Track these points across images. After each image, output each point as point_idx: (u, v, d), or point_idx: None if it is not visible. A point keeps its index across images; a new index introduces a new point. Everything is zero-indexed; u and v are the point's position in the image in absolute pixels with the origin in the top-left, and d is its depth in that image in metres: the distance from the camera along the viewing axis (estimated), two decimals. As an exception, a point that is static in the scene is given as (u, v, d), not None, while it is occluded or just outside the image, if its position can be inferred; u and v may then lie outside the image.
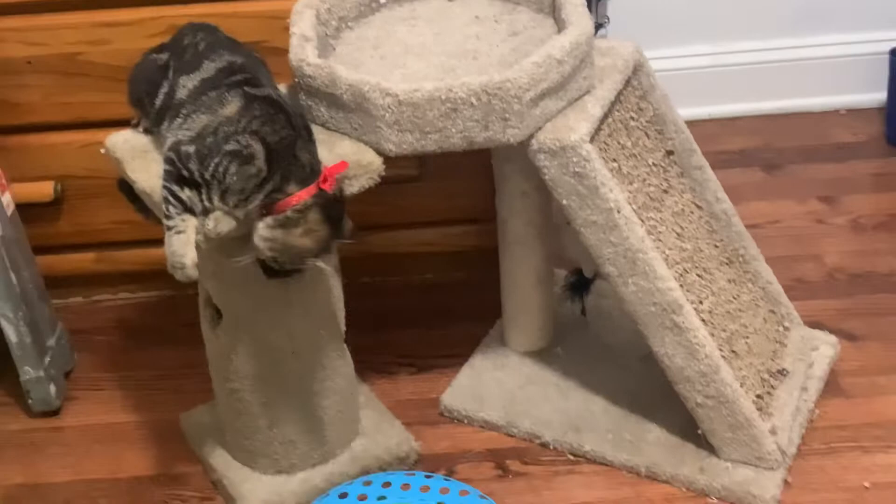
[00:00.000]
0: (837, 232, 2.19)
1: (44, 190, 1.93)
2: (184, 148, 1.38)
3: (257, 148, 1.35)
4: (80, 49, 1.83)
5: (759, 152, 2.40)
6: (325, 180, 1.38)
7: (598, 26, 2.38)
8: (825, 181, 2.31)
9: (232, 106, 1.39)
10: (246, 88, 1.41)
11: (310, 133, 1.43)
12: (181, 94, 1.45)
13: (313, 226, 1.38)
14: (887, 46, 2.36)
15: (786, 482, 1.66)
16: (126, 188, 1.61)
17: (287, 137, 1.38)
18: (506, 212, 1.79)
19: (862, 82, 2.46)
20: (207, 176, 1.36)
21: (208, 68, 1.45)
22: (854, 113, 2.49)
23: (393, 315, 2.04)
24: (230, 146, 1.35)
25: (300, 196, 1.36)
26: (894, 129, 2.39)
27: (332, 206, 1.40)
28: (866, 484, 1.67)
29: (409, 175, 1.92)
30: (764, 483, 1.64)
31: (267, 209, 1.37)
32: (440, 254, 2.06)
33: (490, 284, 1.90)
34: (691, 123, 1.90)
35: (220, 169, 1.35)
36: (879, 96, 2.42)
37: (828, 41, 2.47)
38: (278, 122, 1.38)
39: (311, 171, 1.38)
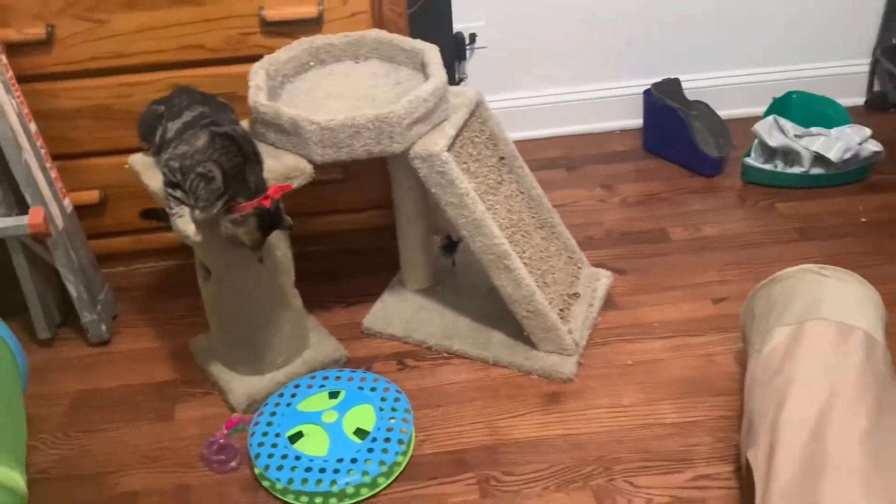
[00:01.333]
0: (613, 207, 2.16)
1: (92, 196, 1.87)
2: (172, 163, 1.36)
3: (217, 172, 1.32)
4: (111, 101, 1.77)
5: (562, 159, 2.37)
6: (265, 198, 1.35)
7: (460, 80, 2.38)
8: (605, 175, 2.29)
9: (201, 141, 1.36)
10: (212, 128, 1.37)
11: (257, 157, 1.39)
12: (170, 134, 1.42)
13: (250, 229, 1.37)
14: (641, 89, 2.36)
15: (579, 363, 1.67)
16: (148, 215, 1.59)
17: (238, 164, 1.35)
18: (399, 200, 1.77)
19: (629, 112, 2.43)
20: (186, 187, 1.34)
21: (187, 116, 1.42)
22: (625, 132, 2.46)
23: (328, 271, 1.98)
24: (199, 169, 1.33)
25: (244, 207, 1.34)
26: (648, 142, 2.38)
27: (268, 217, 1.37)
28: (629, 362, 1.68)
29: (337, 179, 1.88)
30: (565, 364, 1.65)
31: (228, 211, 1.35)
32: (359, 230, 2.01)
33: (392, 248, 1.86)
34: (518, 141, 1.88)
35: (193, 184, 1.33)
36: (639, 121, 2.40)
37: (607, 86, 2.44)
38: (232, 152, 1.35)
39: (256, 190, 1.36)
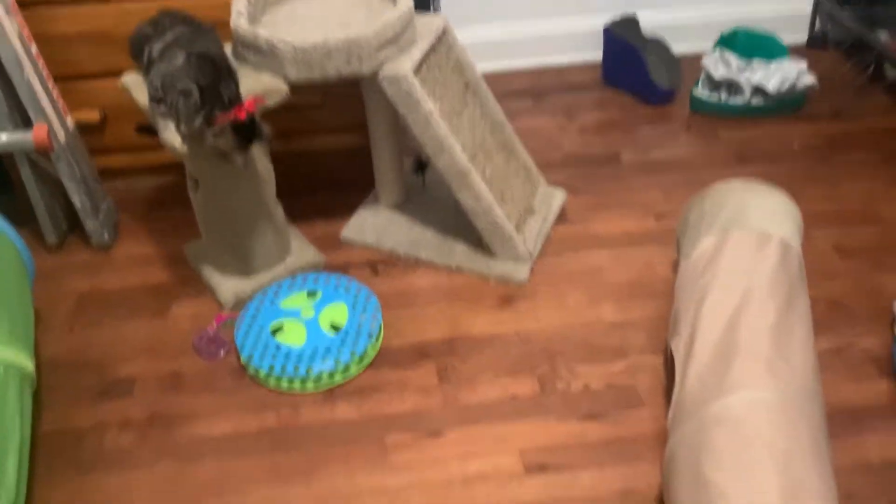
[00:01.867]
0: (572, 134, 2.16)
1: (93, 115, 1.86)
2: (155, 81, 1.36)
3: (193, 88, 1.32)
4: (110, 28, 1.75)
5: (529, 90, 2.35)
6: (240, 110, 1.35)
7: (436, 8, 2.34)
8: (567, 104, 2.28)
9: (179, 60, 1.35)
10: (188, 48, 1.36)
11: (232, 74, 1.38)
12: (154, 54, 1.41)
13: (227, 138, 1.37)
14: (600, 25, 2.34)
15: (532, 270, 1.70)
16: (142, 130, 1.58)
17: (213, 80, 1.34)
18: (372, 122, 1.76)
19: (590, 46, 2.41)
20: (168, 103, 1.34)
21: (169, 37, 1.41)
22: (586, 65, 2.44)
23: (309, 187, 1.98)
24: (179, 85, 1.33)
25: (221, 120, 1.34)
26: (607, 75, 2.37)
27: (244, 129, 1.37)
28: (577, 269, 1.70)
29: (316, 104, 1.88)
30: (520, 271, 1.68)
31: (208, 124, 1.35)
32: (337, 150, 2.01)
33: (367, 167, 1.86)
34: (489, 73, 1.91)
35: (174, 100, 1.33)
36: (600, 55, 2.38)
37: (569, 20, 2.41)
38: (207, 69, 1.34)
39: (230, 103, 1.36)
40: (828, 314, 1.58)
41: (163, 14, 1.50)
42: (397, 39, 1.51)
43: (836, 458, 1.28)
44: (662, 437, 1.29)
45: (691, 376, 1.22)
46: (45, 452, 1.38)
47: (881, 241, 1.76)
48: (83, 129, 1.83)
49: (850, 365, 1.48)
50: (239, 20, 1.51)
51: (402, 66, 1.51)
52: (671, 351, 1.34)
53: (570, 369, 1.49)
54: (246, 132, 1.37)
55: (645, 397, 1.43)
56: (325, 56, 1.46)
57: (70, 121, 1.78)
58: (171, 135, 1.38)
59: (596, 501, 1.27)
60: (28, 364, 1.32)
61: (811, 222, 1.79)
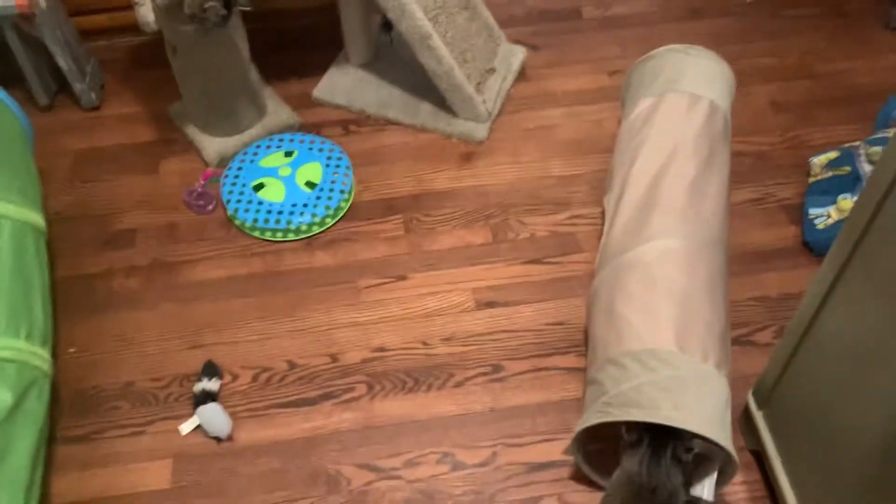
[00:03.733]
0: None
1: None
2: None
3: None
4: None
5: None
6: None
7: None
8: None
9: None
10: None
11: None
12: None
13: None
14: None
15: (491, 128, 1.84)
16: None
17: None
18: None
19: None
20: None
21: None
22: None
23: (281, 46, 2.04)
24: None
25: None
26: None
27: None
28: (532, 126, 1.85)
29: None
30: (479, 129, 1.82)
31: None
32: (308, 8, 2.07)
33: (336, 25, 1.91)
34: None
35: None
36: None
37: None
38: None
39: None
40: (754, 166, 1.76)
41: None
42: None
43: (742, 292, 1.53)
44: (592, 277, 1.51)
45: (616, 227, 1.43)
46: (62, 296, 1.59)
47: (813, 96, 1.90)
48: (62, -9, 1.89)
49: (765, 212, 1.68)
50: None
51: (363, -66, 1.56)
52: (604, 205, 1.54)
53: (519, 219, 1.69)
54: None
55: (583, 244, 1.64)
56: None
57: (47, -16, 1.83)
58: (146, 10, 1.46)
59: (535, 330, 1.51)
60: (40, 220, 1.51)
61: (752, 78, 1.94)
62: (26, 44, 1.83)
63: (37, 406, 1.26)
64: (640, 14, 2.13)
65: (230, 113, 1.77)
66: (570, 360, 1.46)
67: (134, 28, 2.06)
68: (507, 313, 1.53)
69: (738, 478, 1.28)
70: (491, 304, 1.55)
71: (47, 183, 1.77)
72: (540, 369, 1.45)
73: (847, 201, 1.58)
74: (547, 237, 1.65)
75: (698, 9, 2.13)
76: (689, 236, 1.36)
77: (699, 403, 1.14)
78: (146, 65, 2.05)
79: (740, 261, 1.58)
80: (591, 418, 1.18)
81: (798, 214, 1.67)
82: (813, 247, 1.59)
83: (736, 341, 1.46)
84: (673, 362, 1.17)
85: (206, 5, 1.46)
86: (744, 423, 1.33)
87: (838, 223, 1.56)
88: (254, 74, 1.78)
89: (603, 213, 1.65)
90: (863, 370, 0.99)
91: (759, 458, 1.30)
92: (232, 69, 1.71)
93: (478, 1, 1.88)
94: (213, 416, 1.37)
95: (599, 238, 1.62)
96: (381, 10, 1.69)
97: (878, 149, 1.62)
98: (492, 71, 1.89)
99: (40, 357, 1.31)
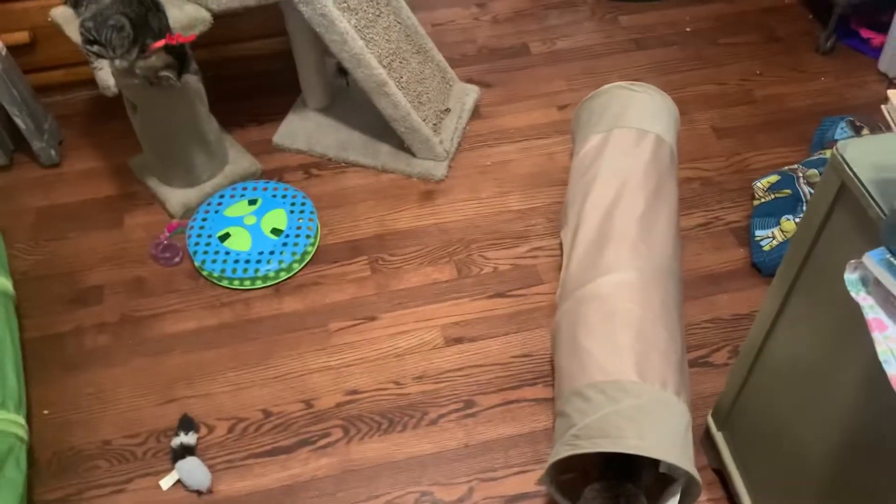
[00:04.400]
0: (485, 24, 2.27)
1: (23, 37, 1.92)
2: (87, 23, 1.45)
3: (125, 21, 1.43)
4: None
5: None
6: (171, 38, 1.48)
7: None
8: None
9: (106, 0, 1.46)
10: None
11: (158, 6, 1.49)
12: None
13: (163, 62, 1.49)
14: None
15: (450, 166, 1.89)
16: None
17: (141, 13, 1.45)
18: (292, 31, 1.86)
19: None
20: (103, 40, 1.45)
21: None
22: None
23: (240, 93, 2.08)
24: (111, 22, 1.43)
25: (155, 46, 1.46)
26: None
27: (176, 51, 1.50)
28: (488, 163, 1.91)
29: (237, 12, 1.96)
30: (438, 168, 1.87)
31: (143, 52, 1.48)
32: (263, 55, 2.11)
33: (294, 72, 1.96)
34: None
35: (108, 36, 1.43)
36: None
37: None
38: (134, 3, 1.45)
39: (160, 32, 1.47)
40: (700, 192, 1.85)
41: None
42: (309, -36, 1.61)
43: (695, 315, 1.60)
44: (554, 309, 1.57)
45: (574, 261, 1.49)
46: (32, 356, 1.60)
47: (752, 120, 2.00)
48: (14, 50, 1.90)
49: (714, 236, 1.76)
50: (156, -48, 1.58)
51: (316, -10, 1.62)
52: (562, 238, 1.60)
53: (482, 255, 1.74)
54: (179, 54, 1.49)
55: (543, 275, 1.70)
56: (243, -14, 1.56)
57: (1, 45, 1.85)
58: (105, 75, 1.49)
59: (503, 364, 1.57)
60: (8, 284, 1.52)
61: (695, 106, 2.03)
62: (-18, 105, 1.84)
63: (15, 474, 1.27)
64: (585, 47, 2.22)
65: (192, 164, 1.80)
66: (538, 391, 1.52)
67: (91, 82, 2.08)
68: (476, 348, 1.58)
69: (702, 496, 1.34)
70: (459, 340, 1.60)
71: (10, 243, 1.78)
72: (510, 402, 1.50)
73: (790, 222, 1.67)
74: (509, 270, 1.71)
75: (639, 40, 2.23)
76: (642, 268, 1.42)
77: (661, 430, 1.20)
78: (104, 119, 2.07)
79: (694, 284, 1.65)
80: (562, 451, 1.23)
81: (745, 237, 1.75)
82: (761, 268, 1.67)
83: (694, 363, 1.53)
84: (634, 392, 1.23)
85: (160, 74, 1.50)
86: (705, 442, 1.40)
87: (783, 244, 1.64)
88: (213, 125, 1.82)
89: (561, 245, 1.72)
90: (813, 387, 1.06)
91: (722, 476, 1.36)
92: (192, 123, 1.74)
93: (429, 45, 1.94)
94: (193, 471, 1.39)
95: (559, 269, 1.68)
96: (337, 58, 1.74)
97: (814, 171, 1.72)
98: (447, 111, 1.95)
99: (16, 424, 1.32)
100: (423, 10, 2.25)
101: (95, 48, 1.48)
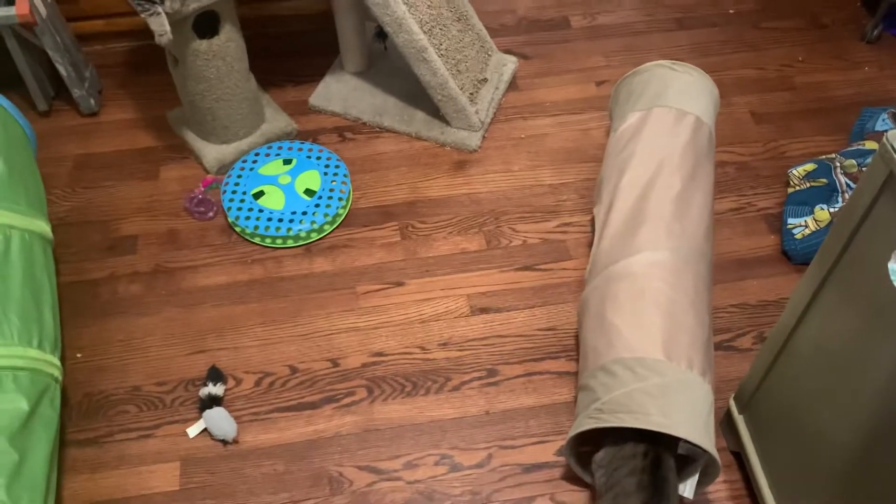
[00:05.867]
0: None
1: (68, -16, 1.92)
2: None
3: None
4: None
5: None
6: None
7: None
8: None
9: None
10: None
11: None
12: None
13: None
14: None
15: (483, 137, 1.88)
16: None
17: None
18: None
19: None
20: None
21: None
22: None
23: (279, 53, 2.07)
24: None
25: None
26: None
27: None
28: (523, 136, 1.90)
29: None
30: (472, 138, 1.86)
31: None
32: (304, 15, 2.09)
33: (333, 33, 1.95)
34: None
35: None
36: None
37: None
38: None
39: None
40: (735, 176, 1.83)
41: None
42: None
43: (723, 299, 1.59)
44: (582, 285, 1.57)
45: (606, 238, 1.49)
46: (67, 301, 1.63)
47: (792, 107, 1.97)
48: (59, -1, 1.91)
49: (746, 221, 1.75)
50: None
51: (362, -49, 1.60)
52: (594, 215, 1.59)
53: (511, 227, 1.74)
54: None
55: (572, 251, 1.70)
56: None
57: (47, -8, 1.85)
58: (160, 21, 1.49)
59: (527, 336, 1.57)
60: (47, 229, 1.54)
61: (734, 89, 2.01)
62: (25, 50, 1.85)
63: (50, 412, 1.30)
64: (626, 24, 2.19)
65: (230, 121, 1.81)
66: (561, 365, 1.52)
67: (131, 33, 2.12)
68: (501, 319, 1.59)
69: (719, 477, 1.35)
70: (485, 310, 1.60)
71: (48, 189, 1.79)
72: (532, 373, 1.51)
73: (823, 212, 1.65)
74: (538, 244, 1.71)
75: (682, 19, 2.19)
76: (675, 249, 1.42)
77: (685, 410, 1.20)
78: (143, 71, 2.07)
79: (722, 269, 1.64)
80: (585, 423, 1.24)
81: (777, 224, 1.74)
82: (791, 255, 1.66)
83: (718, 346, 1.53)
84: (660, 370, 1.23)
85: None
86: (726, 425, 1.40)
87: (815, 233, 1.63)
88: (252, 82, 1.82)
89: (592, 221, 1.71)
90: (839, 377, 1.06)
91: (740, 458, 1.37)
92: (232, 78, 1.74)
93: (470, 12, 1.92)
94: (219, 420, 1.42)
95: (588, 246, 1.68)
96: (378, 22, 1.73)
97: (852, 161, 1.69)
98: (484, 81, 1.94)
99: (52, 364, 1.35)
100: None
101: (145, 3, 1.47)
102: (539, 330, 1.57)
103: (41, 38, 1.82)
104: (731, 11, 2.21)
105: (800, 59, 2.07)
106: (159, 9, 1.48)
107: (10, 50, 1.83)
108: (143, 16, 1.50)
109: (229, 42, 1.69)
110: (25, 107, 1.95)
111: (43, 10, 1.81)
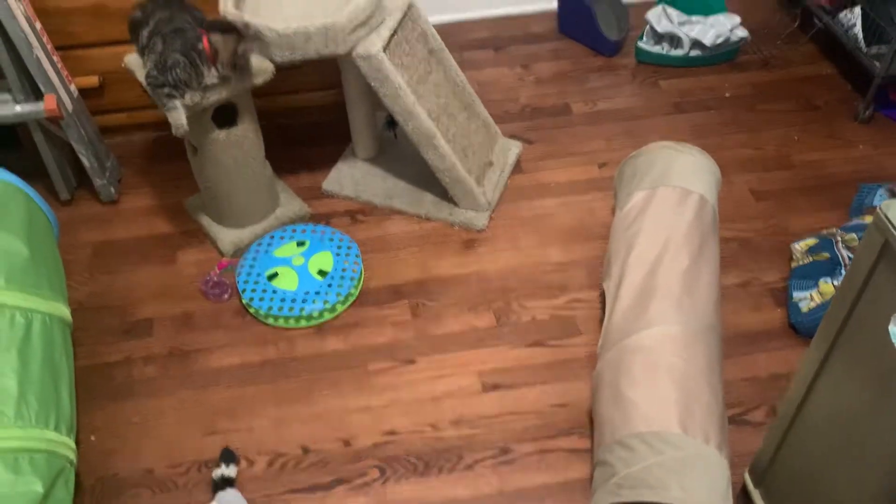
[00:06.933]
0: (528, 84, 2.32)
1: (93, 81, 2.00)
2: (152, 72, 1.54)
3: (179, 57, 1.51)
4: (105, 1, 1.89)
5: (490, 40, 2.48)
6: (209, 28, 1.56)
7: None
8: (526, 55, 2.42)
9: (159, 45, 1.54)
10: (163, 33, 1.55)
11: (188, 11, 1.59)
12: (143, 41, 1.58)
13: (229, 42, 1.56)
14: None
15: (490, 217, 1.92)
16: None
17: (185, 42, 1.54)
18: (346, 85, 1.92)
19: None
20: (170, 82, 1.52)
21: (151, 24, 1.58)
22: (543, 15, 2.56)
23: (293, 141, 2.13)
24: (168, 63, 1.51)
25: (205, 43, 1.54)
26: (562, 25, 2.50)
27: (219, 25, 1.56)
28: (529, 215, 1.93)
29: (295, 65, 2.04)
30: (480, 218, 1.90)
31: (206, 63, 1.54)
32: (317, 106, 2.16)
33: (345, 123, 2.02)
34: (454, 23, 2.06)
35: (173, 76, 1.51)
36: (555, 5, 2.51)
37: None
38: (179, 39, 1.54)
39: (200, 24, 1.57)
40: (739, 252, 1.86)
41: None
42: (368, 21, 1.69)
43: (733, 373, 1.59)
44: (594, 360, 1.58)
45: (617, 313, 1.50)
46: (82, 384, 1.63)
47: (790, 184, 2.02)
48: (84, 93, 2.00)
49: (752, 296, 1.76)
50: (226, 5, 1.67)
51: (374, 45, 1.69)
52: (603, 290, 1.61)
53: (521, 304, 1.76)
54: (225, 26, 1.55)
55: (582, 327, 1.71)
56: (306, 40, 1.63)
57: (74, 88, 1.94)
58: (178, 115, 1.56)
59: (539, 413, 1.57)
60: (67, 312, 1.56)
61: (733, 168, 2.06)
62: (51, 142, 1.93)
63: (64, 494, 1.29)
64: (625, 109, 2.26)
65: (246, 205, 1.86)
66: (575, 441, 1.51)
67: (151, 125, 2.19)
68: (513, 395, 1.59)
69: (740, 555, 1.32)
70: (497, 387, 1.60)
71: (68, 274, 1.82)
72: (546, 451, 1.50)
73: (828, 285, 1.67)
74: (548, 320, 1.72)
75: (679, 103, 2.27)
76: (686, 323, 1.43)
77: (704, 484, 1.19)
78: (162, 159, 2.14)
79: (731, 342, 1.65)
80: (604, 499, 1.22)
81: (783, 297, 1.75)
82: (798, 328, 1.67)
83: (731, 420, 1.52)
84: (678, 444, 1.23)
85: (240, 53, 1.55)
86: (742, 500, 1.38)
87: (821, 305, 1.64)
88: (267, 169, 1.87)
89: (601, 296, 1.73)
90: (851, 446, 1.05)
91: (760, 535, 1.34)
92: (248, 166, 1.80)
93: (476, 101, 2.00)
94: (232, 502, 1.40)
95: (598, 321, 1.69)
96: (389, 112, 1.80)
97: (853, 235, 1.72)
98: (490, 164, 2.00)
99: (67, 447, 1.35)
100: (470, 69, 2.32)
101: (166, 90, 1.55)
102: (551, 406, 1.56)
103: (66, 131, 1.90)
104: (727, 95, 2.29)
105: (796, 138, 2.13)
106: (177, 103, 1.55)
107: (37, 142, 1.90)
108: (163, 109, 1.57)
109: (247, 132, 1.75)
110: (48, 195, 2.01)
111: (69, 105, 1.89)
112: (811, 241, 1.77)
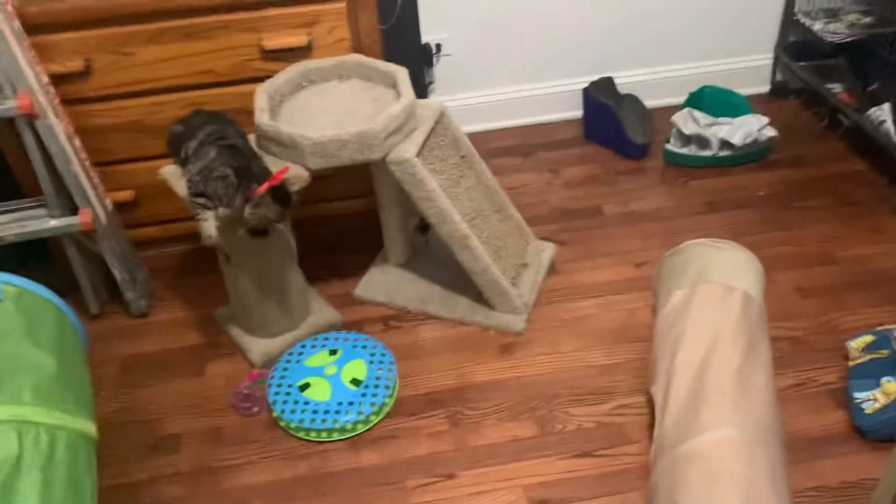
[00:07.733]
0: (557, 188, 2.32)
1: (128, 195, 2.03)
2: (194, 178, 1.54)
3: (230, 171, 1.51)
4: (141, 118, 1.92)
5: (517, 147, 2.51)
6: (273, 179, 1.54)
7: (429, 83, 2.54)
8: (552, 161, 2.44)
9: (212, 154, 1.55)
10: (218, 142, 1.56)
11: (256, 157, 1.59)
12: (190, 151, 1.60)
13: (269, 204, 1.53)
14: (581, 86, 2.53)
15: (527, 320, 1.87)
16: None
17: (244, 163, 1.53)
18: (379, 191, 1.93)
19: (572, 105, 2.58)
20: (210, 192, 1.53)
21: (201, 135, 1.60)
22: (568, 123, 2.60)
23: (325, 249, 2.13)
24: (216, 174, 1.51)
25: (259, 191, 1.52)
26: (588, 131, 2.53)
27: (280, 192, 1.54)
28: (567, 317, 1.89)
29: (328, 173, 2.06)
30: (517, 321, 1.85)
31: (247, 199, 1.54)
32: (349, 214, 2.17)
33: (377, 229, 2.02)
34: (482, 132, 2.09)
35: (214, 187, 1.52)
36: (580, 113, 2.56)
37: (553, 83, 2.59)
38: (237, 155, 1.54)
39: (262, 176, 1.54)
40: (790, 352, 1.77)
41: (194, 112, 1.69)
42: (402, 128, 1.70)
43: (798, 481, 1.47)
44: (647, 470, 1.47)
45: (668, 419, 1.41)
46: (106, 505, 1.55)
47: (837, 280, 1.95)
48: (119, 206, 2.02)
49: (809, 397, 1.66)
50: (262, 116, 1.70)
51: (407, 150, 1.70)
52: (651, 395, 1.53)
53: (565, 411, 1.67)
54: (282, 195, 1.54)
55: (631, 434, 1.61)
56: (341, 147, 1.65)
57: (109, 202, 1.96)
58: (209, 226, 1.56)
59: (592, 529, 1.45)
60: (93, 430, 1.50)
61: (775, 266, 2.00)
62: (83, 256, 1.93)
63: None
64: (657, 210, 2.24)
65: (276, 316, 1.82)
66: (633, 561, 1.39)
67: (182, 237, 2.20)
68: (562, 511, 1.48)
69: None
70: (545, 503, 1.49)
71: (95, 389, 1.76)
72: (602, 572, 1.37)
73: (891, 384, 1.57)
74: (595, 428, 1.63)
75: (712, 203, 2.24)
76: (743, 425, 1.34)
77: None
78: (191, 272, 2.13)
79: (792, 448, 1.54)
80: None
81: (842, 398, 1.65)
82: (865, 432, 1.56)
83: (803, 535, 1.39)
84: (750, 562, 1.11)
85: (272, 224, 1.55)
86: None
87: (888, 407, 1.54)
88: (300, 278, 1.85)
89: (650, 401, 1.64)
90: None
91: None
92: (280, 275, 1.78)
93: (508, 204, 1.99)
94: None
95: (648, 428, 1.60)
96: (423, 216, 1.79)
97: (912, 330, 1.64)
98: (525, 266, 1.96)
99: (87, 574, 1.25)
100: (499, 175, 2.31)
101: (201, 199, 1.55)
102: (604, 522, 1.45)
103: (100, 245, 1.90)
104: (760, 194, 2.27)
105: (836, 234, 2.08)
106: (209, 214, 1.55)
107: (69, 256, 1.91)
108: (196, 219, 1.57)
109: (279, 241, 1.74)
110: (78, 309, 1.98)
111: (103, 218, 1.90)
112: (868, 339, 1.68)
